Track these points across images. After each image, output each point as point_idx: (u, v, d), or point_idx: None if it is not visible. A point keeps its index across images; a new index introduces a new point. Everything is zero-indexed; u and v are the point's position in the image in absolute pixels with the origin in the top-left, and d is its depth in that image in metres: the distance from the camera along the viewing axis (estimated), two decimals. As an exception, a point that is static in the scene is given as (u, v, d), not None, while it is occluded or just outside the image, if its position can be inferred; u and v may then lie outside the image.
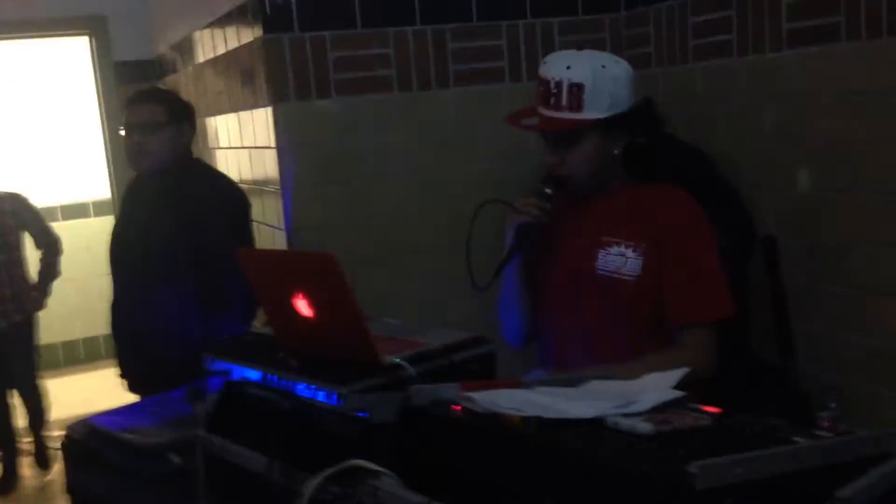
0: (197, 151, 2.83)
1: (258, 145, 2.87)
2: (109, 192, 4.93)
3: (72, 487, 1.89)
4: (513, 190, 2.15)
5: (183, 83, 3.85)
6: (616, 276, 1.90)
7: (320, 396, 1.42)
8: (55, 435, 4.18)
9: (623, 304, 1.89)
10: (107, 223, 2.81)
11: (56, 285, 4.23)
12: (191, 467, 1.58)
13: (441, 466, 1.24)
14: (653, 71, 2.75)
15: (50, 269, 4.16)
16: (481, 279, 1.88)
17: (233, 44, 2.99)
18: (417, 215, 2.77)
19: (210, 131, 3.54)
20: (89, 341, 6.03)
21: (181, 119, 2.58)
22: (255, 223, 2.65)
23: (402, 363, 1.44)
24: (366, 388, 1.38)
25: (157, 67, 4.40)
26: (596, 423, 1.16)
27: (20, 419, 4.28)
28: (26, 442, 4.34)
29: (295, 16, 2.62)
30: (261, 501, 1.42)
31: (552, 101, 1.89)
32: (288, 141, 2.66)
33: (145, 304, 2.51)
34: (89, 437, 1.81)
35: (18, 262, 4.11)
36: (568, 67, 1.88)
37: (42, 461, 4.35)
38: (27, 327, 4.14)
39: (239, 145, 3.15)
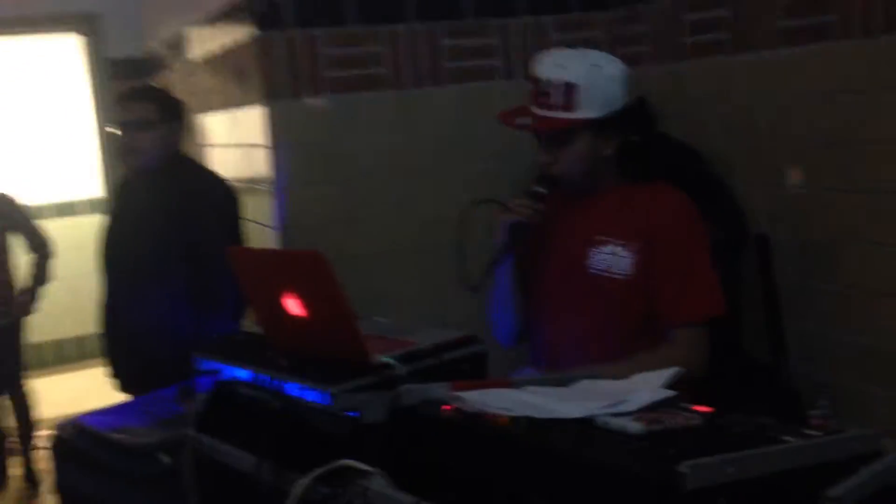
0: (189, 149, 2.82)
1: (250, 143, 2.86)
2: (102, 190, 4.91)
3: (61, 487, 1.88)
4: (507, 188, 2.15)
5: (175, 81, 3.83)
6: (608, 274, 1.89)
7: (310, 396, 1.41)
8: (44, 434, 4.14)
9: (615, 303, 1.89)
10: (99, 222, 2.80)
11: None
12: (180, 467, 1.57)
13: (431, 466, 1.23)
14: (647, 69, 2.75)
15: (40, 273, 4.00)
16: (473, 279, 1.87)
17: (225, 41, 2.98)
18: (410, 214, 2.76)
19: (202, 129, 3.53)
20: (80, 340, 6.01)
21: (173, 117, 2.57)
22: (246, 222, 2.64)
23: (393, 362, 1.44)
24: (356, 388, 1.37)
25: (149, 65, 4.38)
26: (586, 423, 1.15)
27: (10, 419, 4.24)
28: (12, 441, 4.27)
29: (288, 13, 2.61)
30: (250, 501, 1.41)
31: (545, 100, 1.88)
32: (280, 139, 2.65)
33: (136, 302, 2.50)
34: (78, 436, 1.80)
35: (2, 264, 3.96)
36: (561, 67, 1.87)
37: (31, 479, 4.13)
38: (12, 330, 3.99)
39: (231, 143, 3.14)
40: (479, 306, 2.07)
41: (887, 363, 2.23)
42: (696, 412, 1.21)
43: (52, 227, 4.44)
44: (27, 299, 4.00)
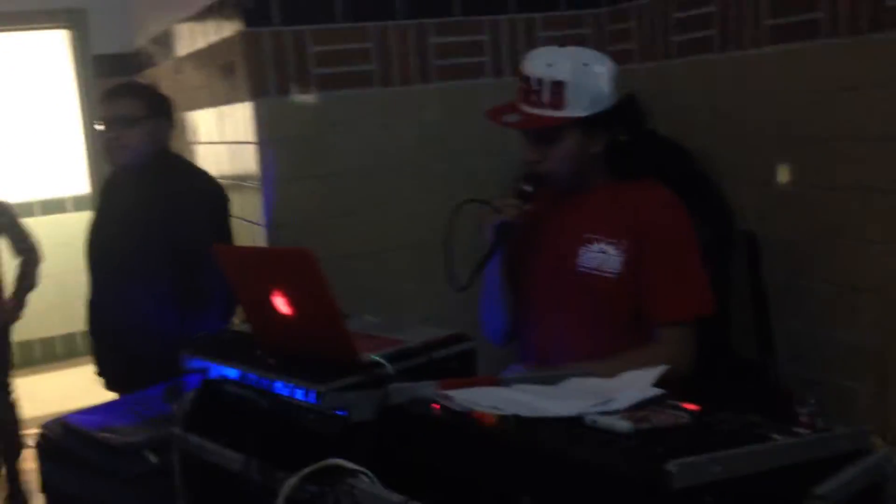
0: (176, 146, 2.80)
1: (238, 140, 2.85)
2: (88, 187, 4.89)
3: (47, 487, 1.87)
4: (494, 185, 2.15)
5: (162, 77, 3.81)
6: (597, 273, 1.89)
7: (298, 395, 1.41)
8: (31, 433, 4.09)
9: (604, 301, 1.89)
10: (86, 218, 2.78)
11: (33, 281, 4.12)
12: (168, 466, 1.57)
13: (419, 465, 1.23)
14: (635, 67, 2.75)
15: (26, 279, 3.81)
16: (461, 280, 1.86)
17: (212, 38, 2.96)
18: (399, 211, 2.75)
19: (189, 126, 3.51)
20: (67, 338, 5.98)
21: (159, 113, 2.55)
22: (234, 219, 2.63)
23: (381, 361, 1.43)
24: (344, 387, 1.37)
25: (136, 61, 4.35)
26: (574, 422, 1.16)
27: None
28: None
29: (275, 9, 2.60)
30: (238, 501, 1.41)
31: (533, 97, 1.88)
32: (268, 136, 2.64)
33: (123, 301, 2.48)
34: (65, 435, 1.79)
35: None
36: (550, 64, 1.87)
37: (17, 499, 3.85)
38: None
39: (218, 140, 3.12)
40: (469, 304, 2.07)
41: (873, 361, 2.24)
42: (685, 410, 1.21)
43: (39, 224, 4.41)
44: (14, 305, 3.84)
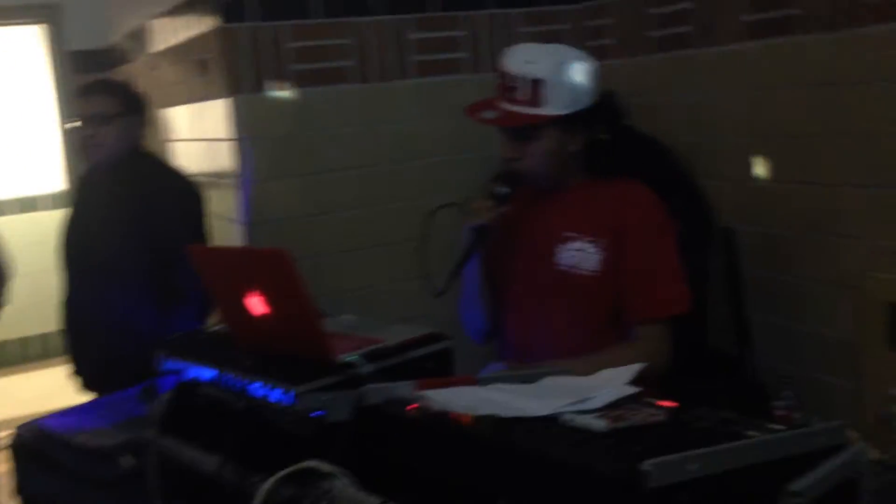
0: (152, 143, 2.78)
1: (215, 137, 2.83)
2: (64, 184, 4.84)
3: (21, 489, 1.84)
4: (473, 182, 2.14)
5: (138, 73, 3.78)
6: (575, 271, 1.89)
7: (274, 396, 1.40)
8: (5, 435, 4.05)
9: (582, 299, 1.89)
10: (61, 217, 2.75)
11: (9, 280, 4.06)
12: (143, 469, 1.55)
13: (396, 466, 1.22)
14: (612, 63, 2.75)
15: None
16: (437, 285, 1.85)
17: (189, 33, 2.94)
18: (377, 208, 2.75)
19: (165, 123, 3.48)
20: (43, 337, 5.92)
21: (133, 110, 2.53)
22: (211, 217, 2.61)
23: (358, 361, 1.43)
24: (320, 387, 1.36)
25: (111, 57, 4.31)
26: (550, 421, 1.15)
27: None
28: None
29: (252, 5, 2.58)
30: (214, 503, 1.39)
31: (512, 94, 1.87)
32: (245, 133, 2.63)
33: (98, 300, 2.46)
34: (39, 438, 1.77)
35: None
36: (529, 62, 1.86)
37: None
38: None
39: (195, 137, 3.10)
40: (447, 302, 2.06)
41: (849, 355, 2.25)
42: (661, 408, 1.21)
43: (14, 223, 4.37)
44: None
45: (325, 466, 1.21)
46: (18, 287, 4.23)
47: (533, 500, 1.06)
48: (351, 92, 2.70)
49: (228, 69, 2.59)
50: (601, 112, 1.94)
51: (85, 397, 2.39)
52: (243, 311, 1.51)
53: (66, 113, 4.57)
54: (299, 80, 2.64)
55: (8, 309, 4.28)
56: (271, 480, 1.23)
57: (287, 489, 1.22)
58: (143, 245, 2.36)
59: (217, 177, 2.84)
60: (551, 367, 1.48)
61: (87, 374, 2.59)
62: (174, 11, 3.06)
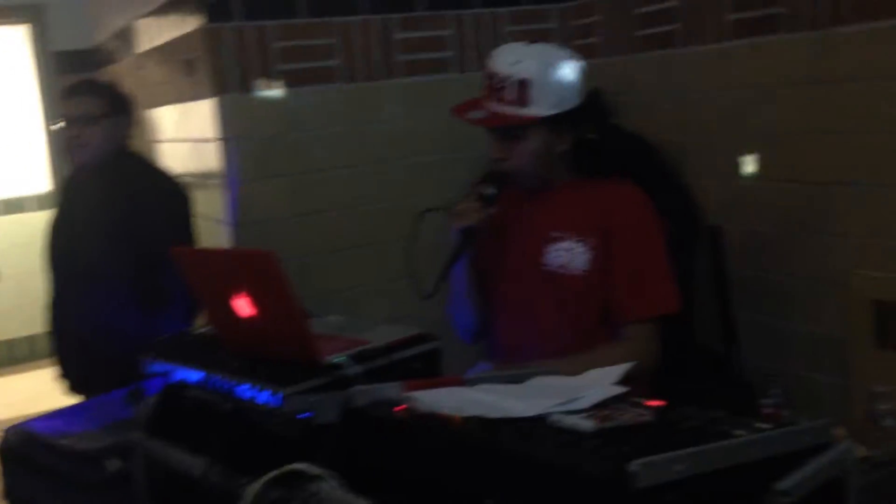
0: (138, 144, 2.76)
1: (201, 137, 2.81)
2: (50, 186, 4.81)
3: (9, 492, 1.83)
4: (460, 182, 2.13)
5: (123, 74, 3.76)
6: (563, 271, 1.89)
7: (262, 397, 1.39)
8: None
9: (571, 299, 1.89)
10: (46, 218, 2.73)
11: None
12: (130, 472, 1.54)
13: (384, 467, 1.22)
14: (599, 61, 2.75)
15: None
16: (426, 287, 1.84)
17: (174, 33, 2.92)
18: (364, 208, 2.74)
19: (151, 123, 3.47)
20: (30, 340, 5.87)
21: (119, 111, 2.51)
22: (198, 217, 2.60)
23: (345, 362, 1.42)
24: (307, 389, 1.35)
25: (96, 57, 4.29)
26: (538, 422, 1.15)
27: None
28: None
29: (237, 5, 2.57)
30: (201, 506, 1.39)
31: (499, 95, 1.87)
32: (231, 133, 2.61)
33: (84, 302, 2.45)
34: (26, 442, 1.76)
35: None
36: (515, 62, 1.86)
37: None
38: None
39: (181, 137, 3.08)
40: (435, 302, 2.06)
41: (836, 352, 2.26)
42: (648, 407, 1.21)
43: (0, 224, 4.33)
44: None
45: (312, 468, 1.20)
46: (4, 289, 4.22)
47: (520, 500, 1.06)
48: (337, 92, 2.69)
49: (214, 69, 2.58)
50: (588, 111, 1.94)
51: (72, 400, 2.37)
52: (229, 313, 1.51)
53: (52, 114, 4.54)
54: (285, 80, 2.63)
55: (-6, 311, 4.27)
56: (259, 483, 1.22)
57: (274, 491, 1.22)
58: (129, 247, 2.35)
59: (203, 177, 2.83)
60: (539, 367, 1.48)
61: (73, 377, 2.58)
62: (159, 11, 3.04)
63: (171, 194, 2.50)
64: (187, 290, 1.71)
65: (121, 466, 1.58)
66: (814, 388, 2.31)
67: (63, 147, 2.60)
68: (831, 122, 2.19)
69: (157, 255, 2.22)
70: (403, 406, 1.24)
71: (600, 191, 1.94)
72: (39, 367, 5.45)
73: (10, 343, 5.92)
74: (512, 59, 1.87)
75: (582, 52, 2.02)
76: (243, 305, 1.48)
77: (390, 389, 1.28)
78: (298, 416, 1.32)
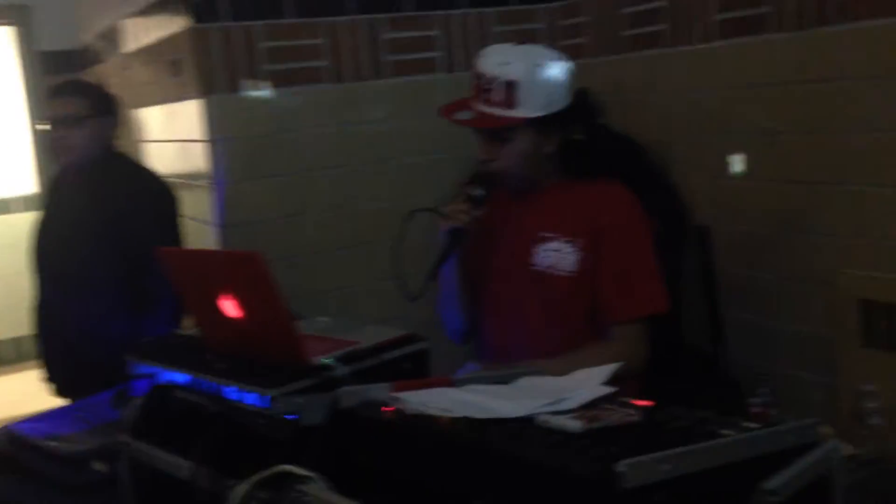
0: (124, 144, 2.75)
1: (188, 138, 2.80)
2: (36, 187, 4.78)
3: (-6, 497, 1.82)
4: (447, 182, 2.13)
5: (109, 74, 3.74)
6: (552, 271, 1.89)
7: (249, 399, 1.39)
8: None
9: (560, 300, 1.89)
10: (33, 219, 2.71)
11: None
12: (116, 475, 1.54)
13: (371, 469, 1.22)
14: (587, 61, 2.75)
15: None
16: (413, 289, 1.83)
17: (161, 33, 2.91)
18: (352, 209, 2.74)
19: (138, 124, 3.45)
20: (16, 341, 5.84)
21: (104, 112, 2.50)
22: (185, 219, 2.59)
23: (333, 363, 1.42)
24: (295, 391, 1.35)
25: (82, 57, 4.27)
26: (526, 422, 1.15)
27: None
28: None
29: (224, 5, 2.56)
30: (188, 508, 1.38)
31: (486, 96, 1.87)
32: (218, 134, 2.61)
33: (71, 304, 2.43)
34: (11, 444, 1.74)
35: None
36: (503, 63, 1.85)
37: None
38: None
39: (168, 138, 3.07)
40: (425, 302, 2.06)
41: (823, 351, 2.27)
42: (636, 407, 1.21)
43: (-15, 226, 4.30)
44: None
45: (300, 470, 1.20)
46: (-10, 290, 4.18)
47: (508, 501, 1.06)
48: (325, 92, 2.69)
49: (201, 69, 2.57)
50: (576, 112, 1.93)
51: (58, 402, 2.36)
52: (216, 315, 1.50)
53: (37, 115, 4.52)
54: (273, 81, 2.62)
55: (-21, 313, 4.23)
56: (246, 485, 1.22)
57: (262, 493, 1.21)
58: (116, 248, 2.34)
59: (190, 178, 2.82)
60: (527, 367, 1.48)
61: (59, 380, 2.56)
62: (145, 11, 3.03)
63: (159, 195, 2.49)
64: (174, 291, 1.70)
65: (107, 469, 1.57)
66: (801, 387, 2.32)
67: (48, 148, 2.58)
68: (818, 121, 2.20)
69: (144, 257, 2.21)
70: (391, 407, 1.24)
71: (588, 191, 1.94)
72: (26, 369, 5.42)
73: (-4, 345, 5.89)
74: (499, 60, 1.87)
75: (569, 52, 2.02)
76: (230, 307, 1.47)
77: (378, 390, 1.28)
78: (286, 418, 1.31)
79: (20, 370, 5.59)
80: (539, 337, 1.91)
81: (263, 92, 2.61)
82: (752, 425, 1.13)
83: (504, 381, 1.37)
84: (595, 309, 1.90)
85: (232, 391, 1.42)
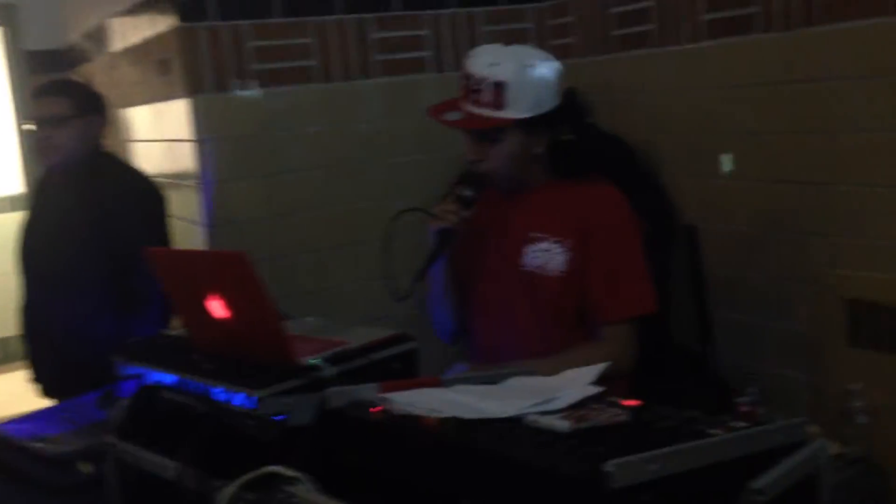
0: (111, 144, 2.74)
1: (175, 138, 2.79)
2: (22, 187, 4.76)
3: (-21, 498, 1.81)
4: (437, 182, 2.13)
5: (97, 73, 3.72)
6: (541, 271, 1.89)
7: (236, 400, 1.38)
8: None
9: (550, 300, 1.89)
10: (20, 219, 2.70)
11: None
12: (102, 476, 1.53)
13: (360, 469, 1.22)
14: (575, 61, 2.76)
15: None
16: (401, 289, 1.83)
17: (148, 32, 2.90)
18: (341, 209, 2.73)
19: (125, 123, 3.44)
20: (3, 342, 5.80)
21: (90, 111, 2.48)
22: (173, 219, 2.58)
23: (321, 364, 1.41)
24: (282, 391, 1.34)
25: (70, 57, 4.24)
26: (514, 422, 1.15)
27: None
28: None
29: (212, 4, 2.55)
30: (175, 510, 1.37)
31: (475, 96, 1.86)
32: (206, 133, 2.59)
33: (57, 305, 2.42)
34: (-3, 445, 1.73)
35: None
36: (492, 64, 1.85)
37: None
38: None
39: (155, 138, 3.06)
40: (415, 302, 2.05)
41: (810, 350, 2.28)
42: (624, 407, 1.22)
43: (-29, 226, 4.27)
44: None
45: (288, 471, 1.19)
46: (-24, 291, 4.14)
47: (497, 501, 1.06)
48: (314, 91, 2.68)
49: (188, 69, 2.56)
50: (564, 111, 1.93)
51: (46, 403, 2.34)
52: (203, 315, 1.49)
53: (24, 114, 4.49)
54: (261, 80, 2.61)
55: (-34, 313, 4.20)
56: (233, 485, 1.21)
57: (249, 494, 1.21)
58: (103, 248, 2.32)
59: (178, 178, 2.80)
60: (515, 367, 1.48)
61: (46, 381, 2.55)
62: (133, 10, 3.02)
63: (146, 195, 2.47)
64: (162, 291, 1.69)
65: (93, 470, 1.56)
66: (788, 387, 2.33)
67: (34, 149, 2.57)
68: (805, 121, 2.21)
69: (131, 257, 2.20)
70: (380, 407, 1.24)
71: (577, 192, 1.94)
72: (12, 370, 5.39)
73: (-18, 345, 5.85)
74: (488, 61, 1.86)
75: (558, 51, 2.02)
76: (217, 307, 1.46)
77: (367, 391, 1.28)
78: (274, 419, 1.31)
79: (6, 371, 5.55)
80: (529, 337, 1.91)
81: (251, 91, 2.60)
82: (740, 425, 1.13)
83: (492, 381, 1.37)
84: (584, 309, 1.90)
85: (219, 392, 1.41)
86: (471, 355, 2.03)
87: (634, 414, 1.18)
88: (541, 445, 1.08)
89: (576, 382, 1.29)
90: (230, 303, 1.45)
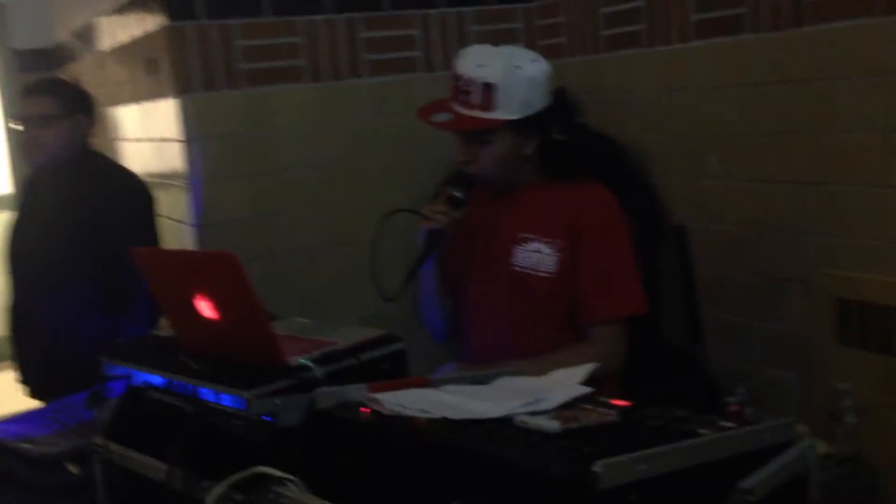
0: (99, 143, 2.72)
1: (164, 137, 2.78)
2: (10, 186, 4.73)
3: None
4: (427, 182, 2.13)
5: (85, 72, 3.70)
6: (531, 272, 1.89)
7: (224, 401, 1.38)
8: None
9: (540, 300, 1.89)
10: (7, 219, 2.68)
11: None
12: (90, 477, 1.52)
13: (348, 470, 1.21)
14: (565, 61, 2.76)
15: None
16: (390, 290, 1.82)
17: (136, 31, 2.89)
18: (330, 209, 2.72)
19: (113, 122, 3.42)
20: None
21: (77, 111, 2.46)
22: (161, 219, 2.56)
23: (309, 364, 1.41)
24: (271, 392, 1.34)
25: (58, 55, 4.22)
26: (503, 423, 1.15)
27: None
28: None
29: (200, 3, 2.54)
30: (163, 511, 1.37)
31: (464, 97, 1.86)
32: (195, 133, 2.58)
33: (45, 306, 2.40)
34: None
35: None
36: (481, 65, 1.85)
37: None
38: None
39: (143, 137, 3.04)
40: (403, 302, 2.04)
41: (799, 350, 2.29)
42: (613, 407, 1.22)
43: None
44: None
45: (276, 472, 1.19)
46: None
47: (486, 501, 1.05)
48: (303, 91, 2.67)
49: (177, 68, 2.55)
50: (554, 112, 1.93)
51: (34, 404, 2.33)
52: (191, 315, 1.48)
53: (12, 114, 4.47)
54: (250, 79, 2.61)
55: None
56: (222, 486, 1.21)
57: (238, 495, 1.21)
58: (91, 248, 2.31)
59: (167, 178, 2.79)
60: (505, 368, 1.48)
61: (34, 382, 2.53)
62: (121, 9, 3.00)
63: (135, 195, 2.46)
64: (150, 292, 1.68)
65: (80, 471, 1.56)
66: (778, 386, 2.34)
67: (21, 148, 2.55)
68: (795, 121, 2.22)
69: (119, 257, 2.18)
70: (369, 408, 1.23)
71: (567, 192, 1.94)
72: None
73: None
74: (478, 62, 1.86)
75: (547, 51, 2.02)
76: (206, 307, 1.46)
77: (355, 391, 1.27)
78: (262, 419, 1.30)
79: (-6, 372, 5.52)
80: (519, 337, 1.91)
81: (240, 91, 2.59)
82: (729, 424, 1.14)
83: (482, 381, 1.37)
84: (574, 309, 1.90)
85: (208, 392, 1.41)
86: (462, 355, 2.03)
87: (624, 414, 1.18)
88: (530, 446, 1.08)
89: (565, 383, 1.29)
90: (218, 303, 1.44)
